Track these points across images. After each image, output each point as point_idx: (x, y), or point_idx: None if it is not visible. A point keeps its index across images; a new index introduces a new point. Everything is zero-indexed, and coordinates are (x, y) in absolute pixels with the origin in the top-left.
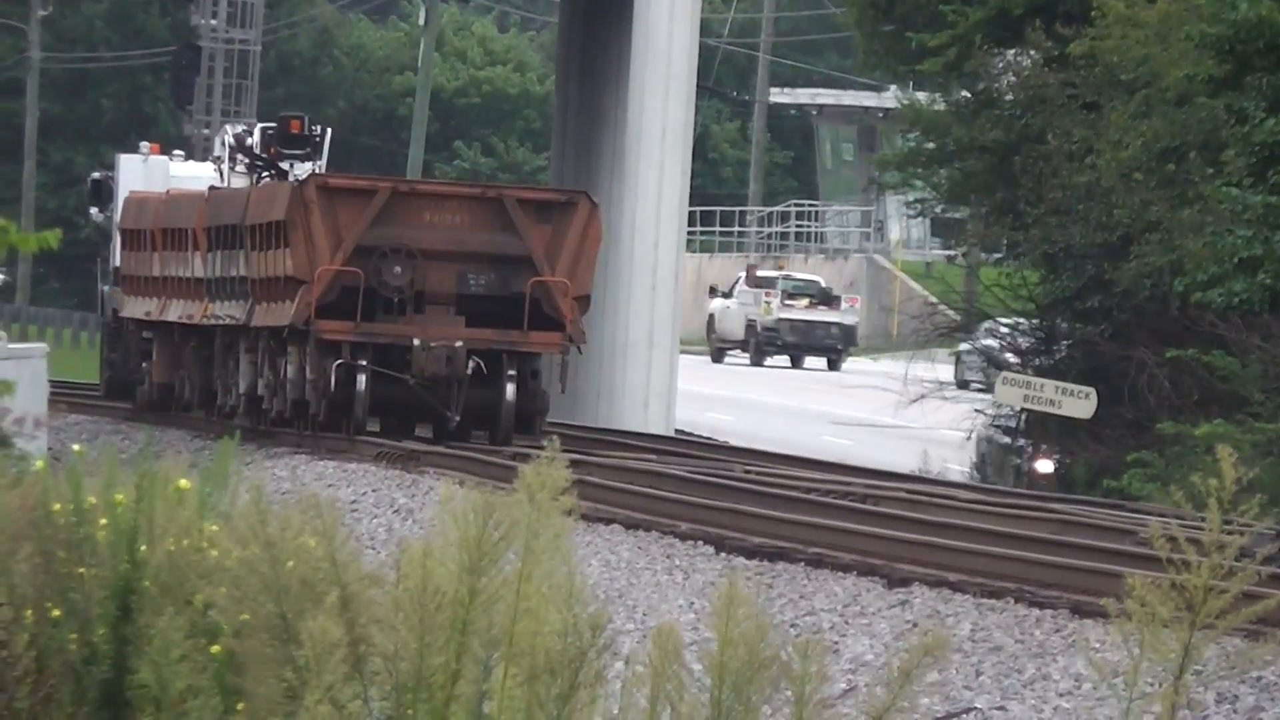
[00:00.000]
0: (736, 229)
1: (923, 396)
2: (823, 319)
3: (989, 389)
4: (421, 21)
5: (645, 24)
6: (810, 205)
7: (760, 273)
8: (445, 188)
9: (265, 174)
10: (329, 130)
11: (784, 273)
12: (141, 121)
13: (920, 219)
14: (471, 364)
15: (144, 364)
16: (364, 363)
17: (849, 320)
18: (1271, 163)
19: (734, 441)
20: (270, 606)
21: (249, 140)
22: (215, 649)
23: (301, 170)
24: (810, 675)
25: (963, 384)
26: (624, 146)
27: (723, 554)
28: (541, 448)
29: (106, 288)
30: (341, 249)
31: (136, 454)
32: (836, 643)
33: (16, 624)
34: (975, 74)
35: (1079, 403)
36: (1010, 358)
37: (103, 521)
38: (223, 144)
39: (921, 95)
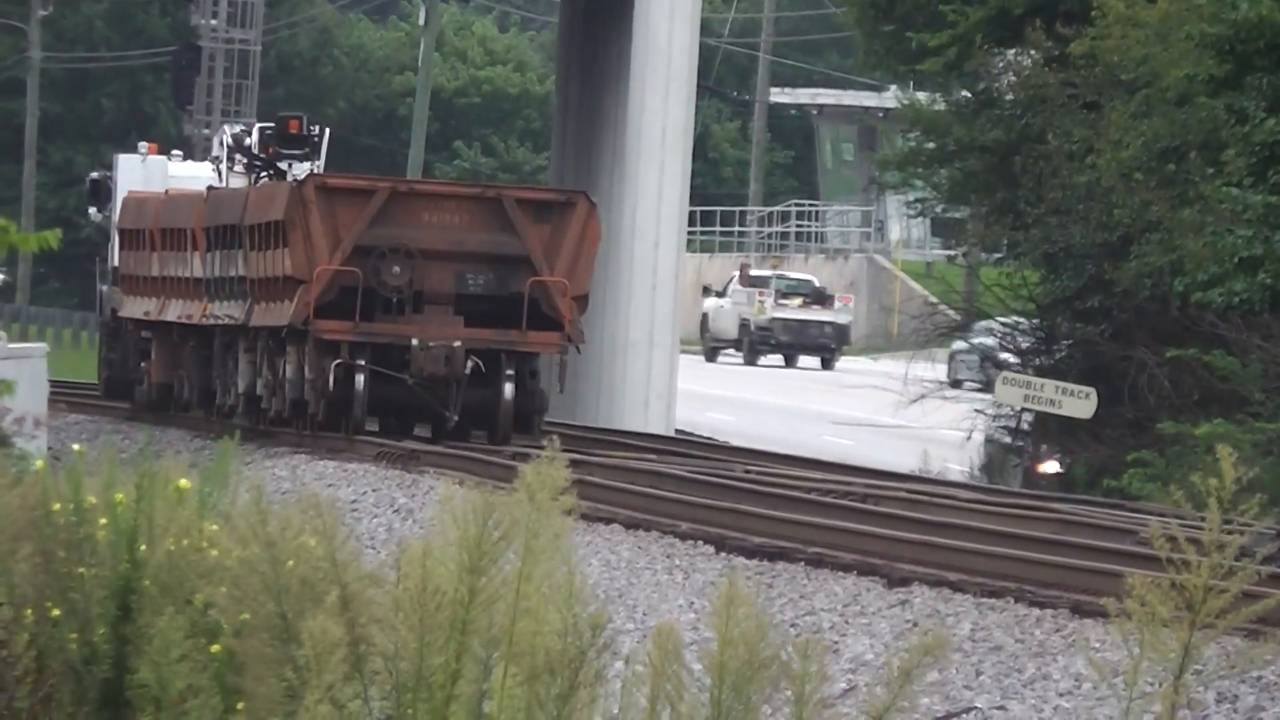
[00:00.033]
0: (737, 229)
1: (923, 396)
2: (816, 318)
3: (984, 388)
4: (422, 21)
5: (645, 24)
6: (810, 205)
7: (754, 272)
8: (444, 188)
9: (263, 174)
10: (327, 130)
11: (777, 272)
12: (142, 121)
13: (920, 219)
14: (470, 364)
15: (143, 364)
16: (362, 362)
17: (842, 319)
18: (1272, 162)
19: (734, 441)
20: (270, 606)
21: (247, 140)
22: (215, 648)
23: (300, 170)
24: (810, 675)
25: (956, 383)
26: (624, 146)
27: (723, 554)
28: (542, 447)
29: (105, 287)
30: (340, 249)
31: (136, 454)
32: (836, 642)
33: (17, 623)
34: (975, 74)
35: (1079, 403)
36: (1010, 358)
37: (103, 521)
38: (221, 144)
39: (922, 95)
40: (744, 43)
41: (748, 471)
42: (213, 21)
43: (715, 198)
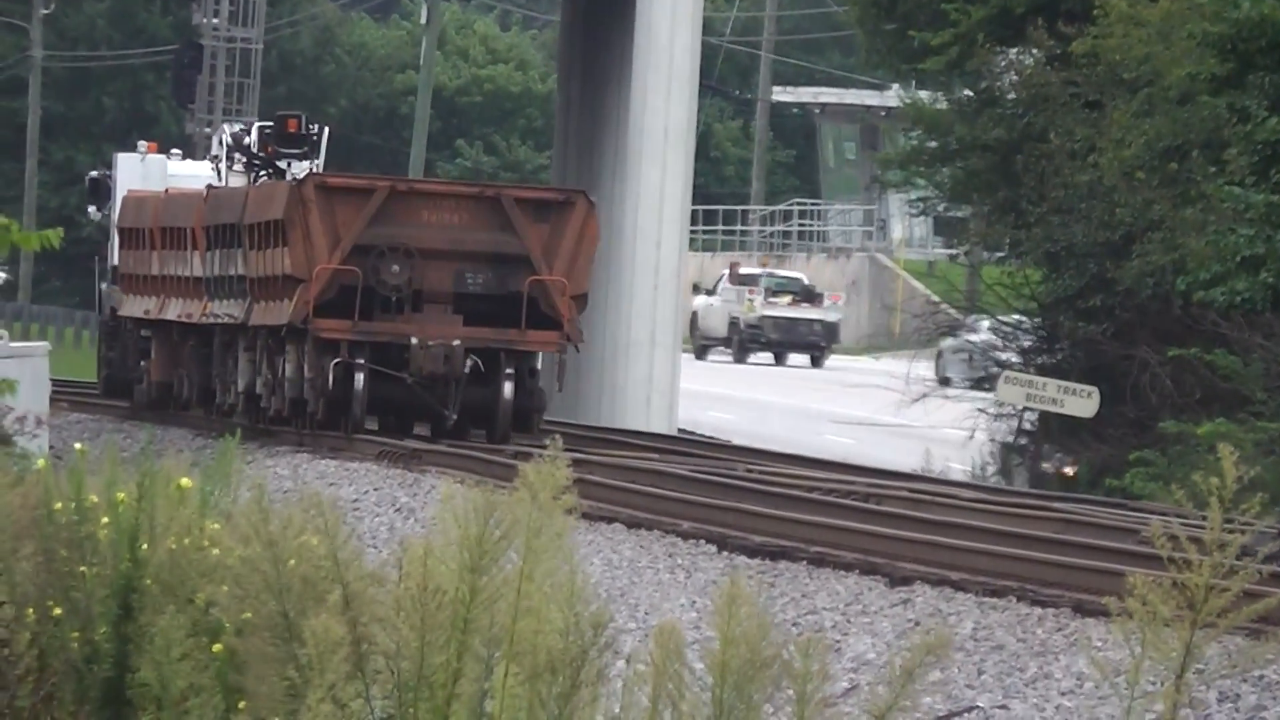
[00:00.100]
0: (739, 228)
1: (925, 395)
2: (805, 316)
3: (973, 386)
4: (423, 20)
5: (647, 23)
6: (813, 204)
7: (743, 270)
8: (443, 187)
9: (263, 173)
10: (326, 129)
11: (767, 270)
12: (143, 120)
13: (923, 218)
14: (469, 362)
15: (142, 362)
16: (362, 361)
17: (831, 317)
18: (1274, 161)
19: (736, 441)
20: (272, 605)
21: (246, 139)
22: (217, 647)
23: (299, 169)
24: (812, 674)
25: (944, 380)
26: (626, 145)
27: (725, 553)
28: (543, 446)
29: (105, 286)
30: (339, 248)
31: (138, 453)
32: (838, 641)
33: (18, 622)
34: (977, 72)
35: (1081, 402)
36: (1012, 357)
37: (104, 520)
38: (220, 143)
39: (924, 94)
40: (746, 41)
41: (750, 471)
42: (214, 20)
43: (717, 197)
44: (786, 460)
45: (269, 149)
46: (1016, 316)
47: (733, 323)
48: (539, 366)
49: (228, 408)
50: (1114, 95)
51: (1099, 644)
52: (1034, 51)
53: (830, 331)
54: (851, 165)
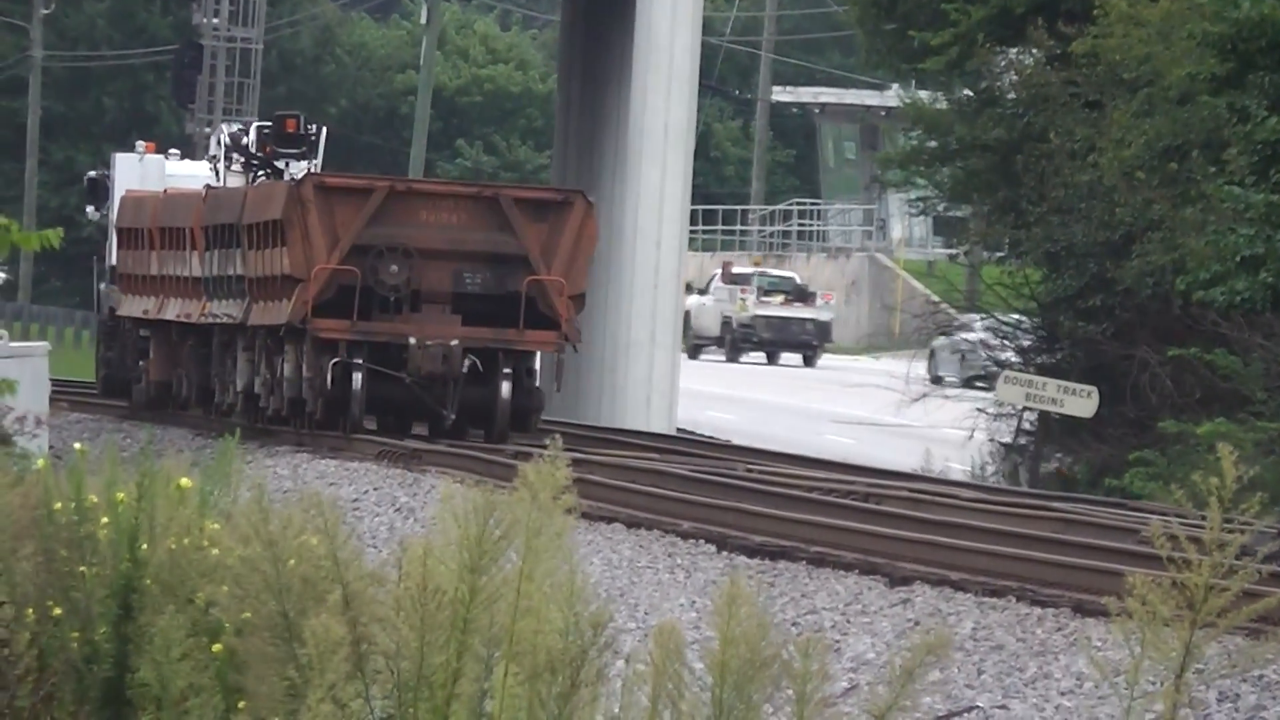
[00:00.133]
0: (739, 228)
1: (924, 395)
2: (798, 315)
3: (965, 385)
4: (423, 20)
5: (647, 22)
6: (812, 204)
7: (735, 269)
8: (441, 187)
9: (261, 173)
10: (324, 129)
11: (759, 269)
12: (144, 120)
13: (922, 217)
14: (467, 362)
15: (141, 362)
16: (360, 361)
17: (824, 316)
18: (1273, 161)
19: (735, 440)
20: (272, 605)
21: (245, 139)
22: (217, 647)
23: (297, 169)
24: (812, 674)
25: (936, 379)
26: (626, 145)
27: (724, 552)
28: (544, 446)
29: (103, 286)
30: (338, 248)
31: (138, 453)
32: (838, 641)
33: (18, 622)
34: (977, 72)
35: (1081, 401)
36: (1011, 357)
37: (104, 520)
38: (218, 143)
39: (924, 94)
40: (746, 41)
41: (750, 471)
42: (214, 20)
43: (717, 197)
44: (786, 460)
45: (267, 149)
46: (1016, 316)
47: (725, 322)
48: (537, 366)
49: (226, 407)
50: (1114, 95)
51: (1099, 644)
52: (1034, 51)
53: (822, 331)
54: (851, 165)
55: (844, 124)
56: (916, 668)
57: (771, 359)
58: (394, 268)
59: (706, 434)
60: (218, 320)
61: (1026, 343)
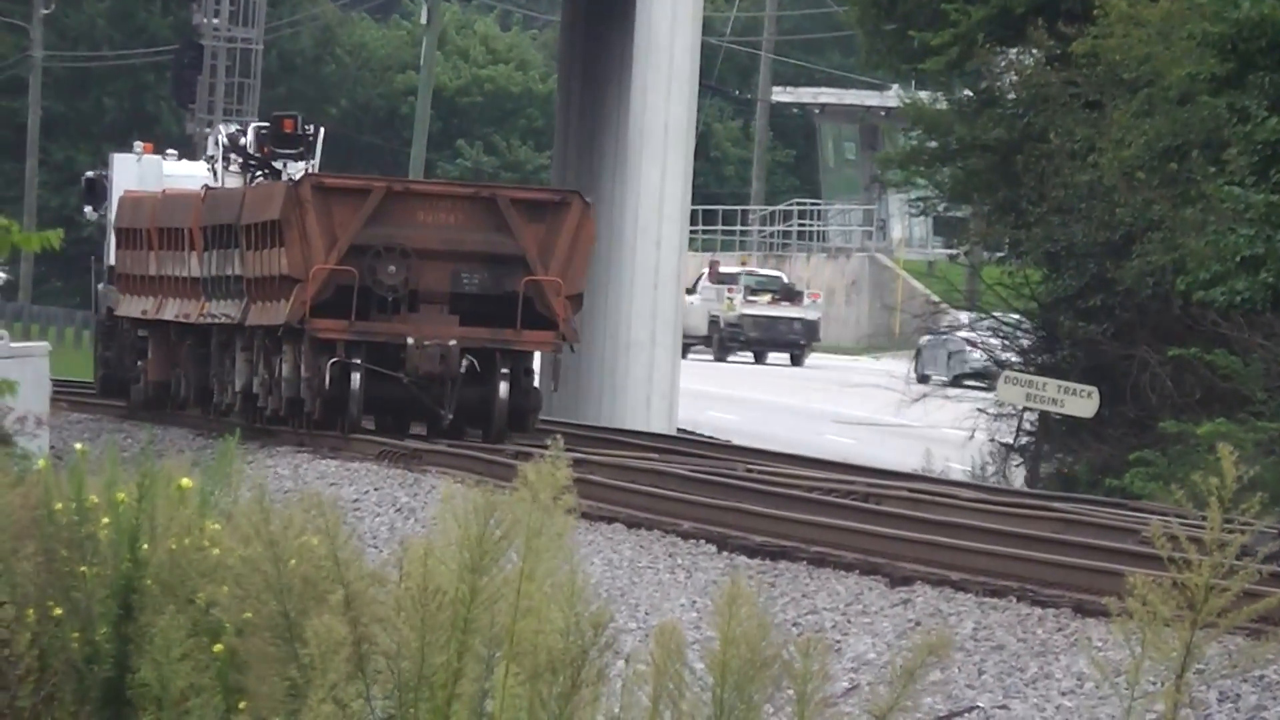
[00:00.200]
0: (739, 228)
1: (925, 395)
2: (785, 314)
3: (951, 383)
4: (424, 20)
5: (647, 22)
6: (813, 204)
7: (723, 269)
8: (439, 187)
9: (259, 173)
10: (321, 129)
11: (746, 269)
12: (144, 120)
13: (922, 218)
14: (465, 362)
15: (139, 362)
16: (358, 361)
17: (811, 315)
18: (1273, 161)
19: (736, 440)
20: (273, 605)
21: (243, 139)
22: (217, 648)
23: (295, 169)
24: (812, 674)
25: (923, 378)
26: (626, 145)
27: (725, 553)
28: (544, 446)
29: (101, 286)
30: (336, 248)
31: (138, 453)
32: (839, 641)
33: (19, 622)
34: (977, 72)
35: (1081, 402)
36: (1012, 357)
37: (105, 520)
38: (216, 143)
39: (924, 94)
40: (746, 41)
41: (750, 471)
42: (215, 20)
43: (717, 197)
44: (787, 460)
45: (265, 149)
46: (1016, 316)
47: (713, 321)
48: (535, 366)
49: (225, 407)
50: (1114, 95)
51: (1099, 644)
52: (1034, 51)
53: (810, 330)
54: (851, 165)
55: (844, 124)
56: (917, 668)
57: (759, 358)
58: (392, 268)
59: (707, 434)
60: (216, 320)
61: (1027, 343)
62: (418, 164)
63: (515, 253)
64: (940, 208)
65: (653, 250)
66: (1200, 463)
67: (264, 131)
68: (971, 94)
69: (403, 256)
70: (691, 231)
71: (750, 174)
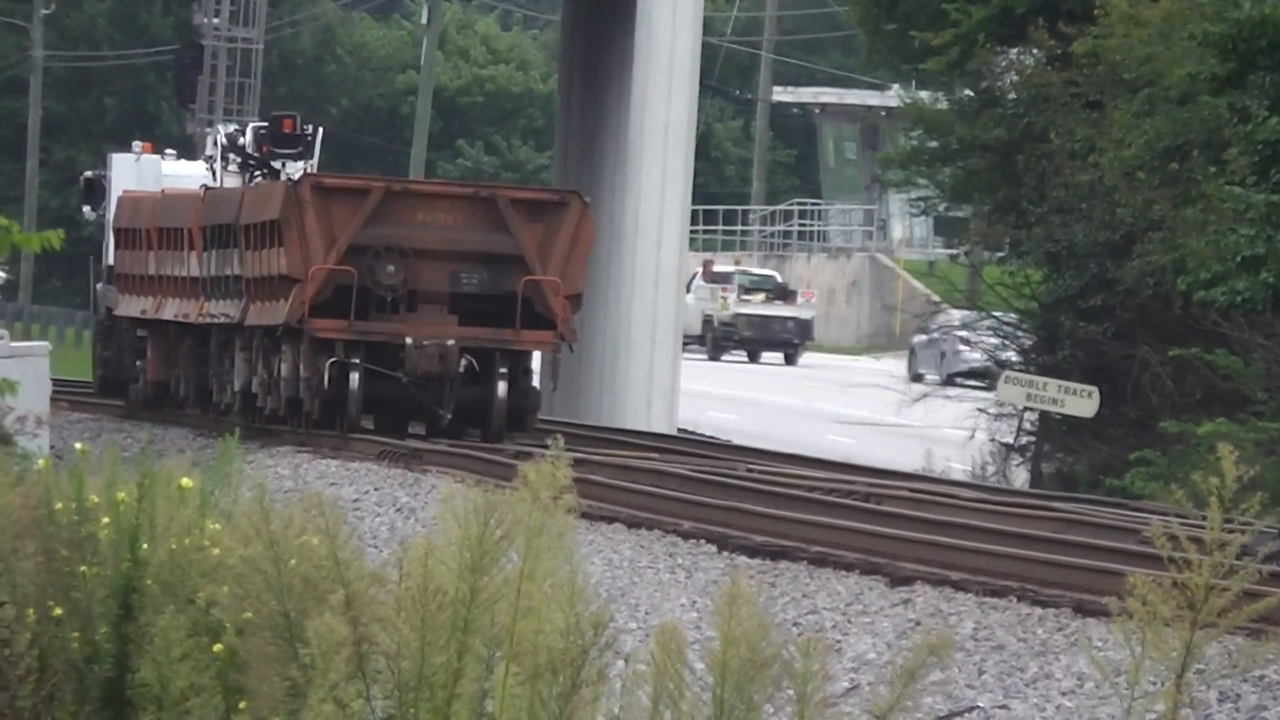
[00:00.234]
0: (739, 228)
1: (925, 395)
2: (779, 314)
3: (944, 383)
4: (424, 20)
5: (648, 22)
6: (813, 204)
7: (717, 268)
8: (438, 188)
9: (258, 173)
10: (320, 129)
11: (740, 268)
12: (144, 120)
13: (923, 217)
14: (464, 362)
15: (138, 362)
16: (357, 361)
17: (805, 314)
18: (1274, 161)
19: (736, 440)
20: (273, 605)
21: (241, 139)
22: (217, 647)
23: (294, 169)
24: (813, 674)
25: (916, 377)
26: (627, 145)
27: (725, 553)
28: (544, 446)
29: (100, 286)
30: (335, 248)
31: (138, 453)
32: (839, 641)
33: (19, 622)
34: (978, 73)
35: (1082, 402)
36: (1012, 357)
37: (105, 520)
38: (215, 143)
39: (924, 94)
40: (746, 41)
41: (750, 471)
42: (215, 20)
43: (718, 197)
44: (787, 460)
45: (264, 149)
46: (1016, 316)
47: (707, 321)
48: (533, 366)
49: (224, 407)
50: (1114, 95)
51: (1099, 644)
52: (1035, 51)
53: (804, 329)
54: (852, 165)
55: (844, 124)
56: (918, 668)
57: (753, 358)
58: (391, 268)
59: (707, 434)
60: (215, 320)
61: (1027, 343)
62: (418, 164)
63: (514, 253)
64: (941, 208)
65: (653, 250)
66: (1200, 463)
67: (263, 131)
68: (972, 94)
69: (402, 256)
70: (692, 231)
71: (751, 174)
